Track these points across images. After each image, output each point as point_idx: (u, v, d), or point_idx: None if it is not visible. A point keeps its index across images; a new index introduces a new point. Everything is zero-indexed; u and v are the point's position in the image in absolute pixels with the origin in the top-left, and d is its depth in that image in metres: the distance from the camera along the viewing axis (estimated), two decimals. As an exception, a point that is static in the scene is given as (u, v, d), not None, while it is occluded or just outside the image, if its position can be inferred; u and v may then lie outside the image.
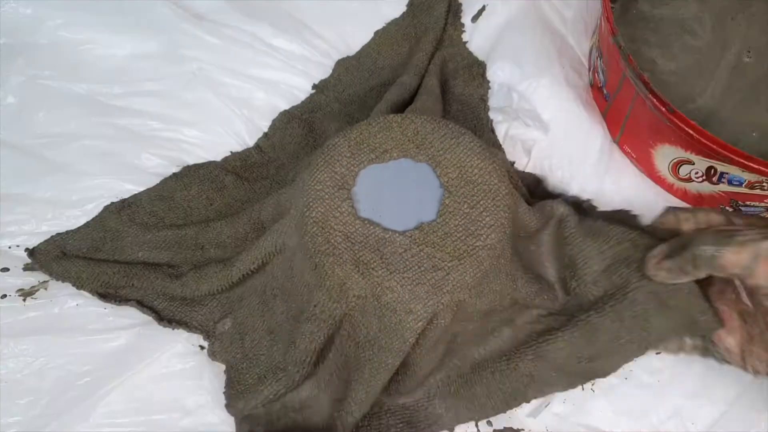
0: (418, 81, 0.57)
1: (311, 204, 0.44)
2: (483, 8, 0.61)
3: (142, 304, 0.49)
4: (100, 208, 0.53)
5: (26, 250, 0.51)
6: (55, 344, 0.48)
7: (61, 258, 0.50)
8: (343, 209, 0.44)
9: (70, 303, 0.49)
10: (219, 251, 0.51)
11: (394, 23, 0.62)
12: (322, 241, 0.43)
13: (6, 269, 0.50)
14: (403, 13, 0.63)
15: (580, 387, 0.47)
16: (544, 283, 0.48)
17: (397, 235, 0.43)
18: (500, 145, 0.56)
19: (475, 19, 0.61)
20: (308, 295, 0.44)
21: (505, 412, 0.46)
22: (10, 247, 0.51)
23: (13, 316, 0.48)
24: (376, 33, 0.62)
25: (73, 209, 0.53)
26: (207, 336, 0.49)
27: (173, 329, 0.49)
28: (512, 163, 0.55)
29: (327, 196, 0.44)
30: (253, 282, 0.49)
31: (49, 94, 0.57)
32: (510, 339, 0.47)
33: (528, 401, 0.46)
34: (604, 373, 0.46)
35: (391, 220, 0.44)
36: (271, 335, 0.48)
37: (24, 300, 0.49)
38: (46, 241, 0.51)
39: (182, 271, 0.50)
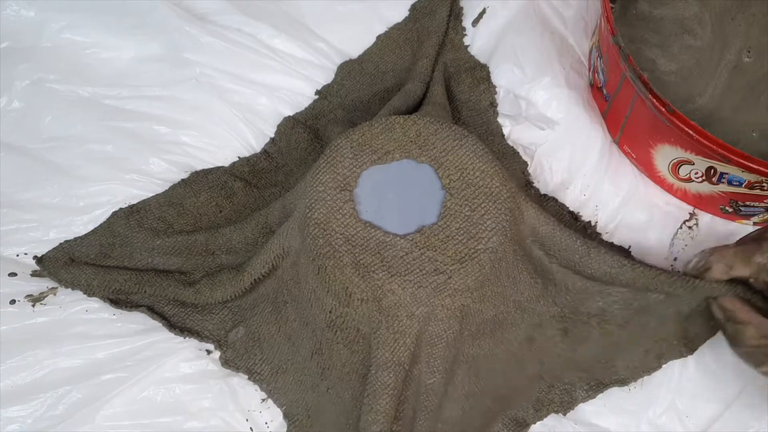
0: (422, 89, 0.57)
1: (313, 205, 0.44)
2: (483, 11, 0.61)
3: (152, 311, 0.49)
4: (107, 215, 0.53)
5: (34, 257, 0.51)
6: (63, 349, 0.48)
7: (70, 265, 0.50)
8: (345, 211, 0.44)
9: (79, 309, 0.50)
10: (230, 257, 0.51)
11: (397, 27, 0.62)
12: (323, 243, 0.43)
13: (14, 274, 0.51)
14: (406, 17, 0.62)
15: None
16: (551, 287, 0.48)
17: (398, 238, 0.43)
18: (515, 152, 0.56)
19: (475, 22, 0.61)
20: (316, 301, 0.45)
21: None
22: (18, 255, 0.52)
23: (22, 321, 0.49)
24: (379, 37, 0.62)
25: (81, 215, 0.53)
26: (219, 345, 0.49)
27: (185, 338, 0.49)
28: (526, 165, 0.55)
29: (329, 198, 0.45)
30: (265, 288, 0.49)
31: (55, 98, 0.57)
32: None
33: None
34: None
35: (392, 222, 0.44)
36: (290, 341, 0.49)
37: (33, 306, 0.50)
38: (54, 248, 0.52)
39: (195, 278, 0.50)
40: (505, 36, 0.59)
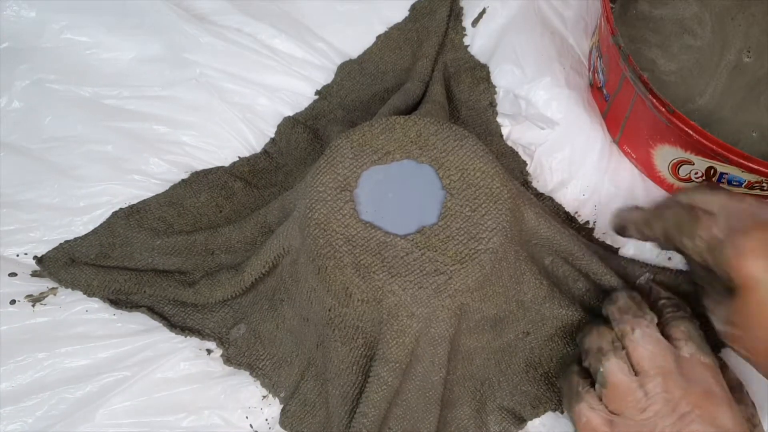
0: (422, 88, 0.57)
1: (313, 206, 0.44)
2: (483, 11, 0.61)
3: (152, 311, 0.49)
4: (107, 215, 0.53)
5: (34, 257, 0.51)
6: (62, 350, 0.48)
7: (70, 265, 0.50)
8: (345, 212, 0.44)
9: (79, 309, 0.50)
10: (229, 256, 0.51)
11: (396, 27, 0.62)
12: (323, 244, 0.43)
13: (14, 274, 0.51)
14: (406, 17, 0.62)
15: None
16: (556, 291, 0.48)
17: (398, 238, 0.43)
18: (513, 151, 0.56)
19: (475, 22, 0.61)
20: (316, 299, 0.45)
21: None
22: (18, 255, 0.52)
23: (22, 321, 0.49)
24: (378, 37, 0.62)
25: (81, 215, 0.53)
26: (220, 342, 0.49)
27: (186, 337, 0.49)
28: (525, 165, 0.55)
29: (329, 198, 0.45)
30: (264, 286, 0.49)
31: (55, 98, 0.57)
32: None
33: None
34: None
35: (392, 223, 0.44)
36: (292, 335, 0.49)
37: (33, 306, 0.50)
38: (54, 248, 0.52)
39: (194, 278, 0.50)
40: (505, 36, 0.59)
